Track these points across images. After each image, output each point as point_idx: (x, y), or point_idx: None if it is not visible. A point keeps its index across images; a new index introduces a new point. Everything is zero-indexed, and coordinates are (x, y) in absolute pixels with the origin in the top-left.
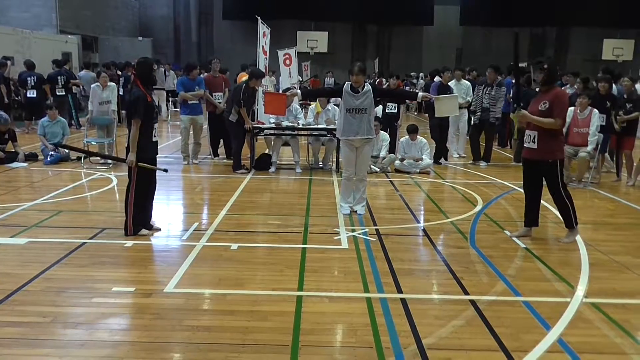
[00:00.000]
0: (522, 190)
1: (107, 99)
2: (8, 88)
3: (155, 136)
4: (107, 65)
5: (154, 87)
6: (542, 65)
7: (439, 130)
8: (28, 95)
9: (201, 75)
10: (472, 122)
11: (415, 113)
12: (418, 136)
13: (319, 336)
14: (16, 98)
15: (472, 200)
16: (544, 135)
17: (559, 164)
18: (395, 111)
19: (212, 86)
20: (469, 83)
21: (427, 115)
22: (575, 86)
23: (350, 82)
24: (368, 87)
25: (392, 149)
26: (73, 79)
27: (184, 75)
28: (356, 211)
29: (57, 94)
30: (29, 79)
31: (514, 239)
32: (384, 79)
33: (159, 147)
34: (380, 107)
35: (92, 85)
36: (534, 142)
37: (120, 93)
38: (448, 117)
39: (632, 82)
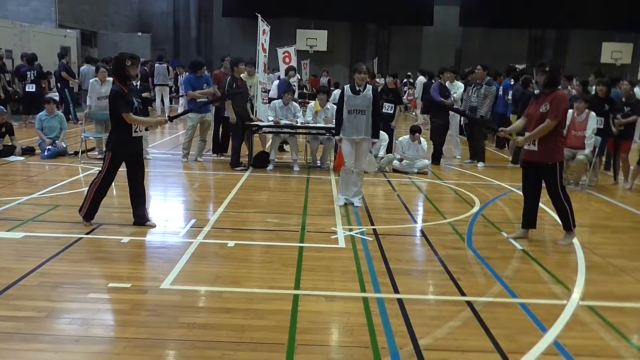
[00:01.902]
0: (519, 192)
1: (105, 94)
2: (4, 82)
3: (137, 131)
4: (105, 60)
5: (159, 84)
6: (545, 67)
7: (440, 132)
8: (27, 89)
9: (206, 73)
10: (462, 123)
11: (414, 113)
12: (421, 137)
13: (315, 335)
14: (17, 90)
15: (469, 202)
16: (544, 138)
17: (559, 167)
18: (392, 112)
19: (220, 82)
20: (462, 84)
21: (424, 115)
22: (569, 88)
23: (348, 85)
24: (369, 88)
25: (389, 149)
26: (69, 73)
27: (191, 73)
28: (353, 203)
29: (27, 90)
30: (28, 73)
31: (511, 240)
32: (377, 79)
33: (157, 143)
34: None
35: (91, 80)
36: (534, 145)
37: None
38: (448, 118)
39: (631, 86)
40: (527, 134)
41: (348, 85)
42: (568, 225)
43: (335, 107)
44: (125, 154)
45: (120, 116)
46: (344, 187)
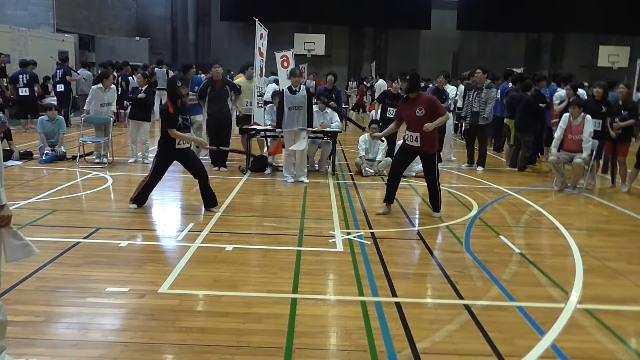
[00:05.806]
0: (517, 195)
1: (107, 101)
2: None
3: (180, 144)
4: (104, 64)
5: (159, 87)
6: (406, 76)
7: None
8: (20, 93)
9: (201, 76)
10: (464, 127)
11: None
12: None
13: (313, 339)
14: (11, 96)
15: (467, 205)
16: (424, 135)
17: (437, 155)
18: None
19: None
20: (454, 87)
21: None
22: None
23: (287, 87)
24: (303, 88)
25: (389, 153)
26: (69, 75)
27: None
28: (302, 180)
29: (20, 94)
30: (20, 76)
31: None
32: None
33: (155, 147)
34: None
35: (93, 87)
36: (417, 141)
37: (119, 92)
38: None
39: (628, 89)
40: (407, 132)
41: (287, 87)
42: (437, 207)
43: (335, 113)
44: (169, 159)
45: (165, 129)
46: (288, 167)
